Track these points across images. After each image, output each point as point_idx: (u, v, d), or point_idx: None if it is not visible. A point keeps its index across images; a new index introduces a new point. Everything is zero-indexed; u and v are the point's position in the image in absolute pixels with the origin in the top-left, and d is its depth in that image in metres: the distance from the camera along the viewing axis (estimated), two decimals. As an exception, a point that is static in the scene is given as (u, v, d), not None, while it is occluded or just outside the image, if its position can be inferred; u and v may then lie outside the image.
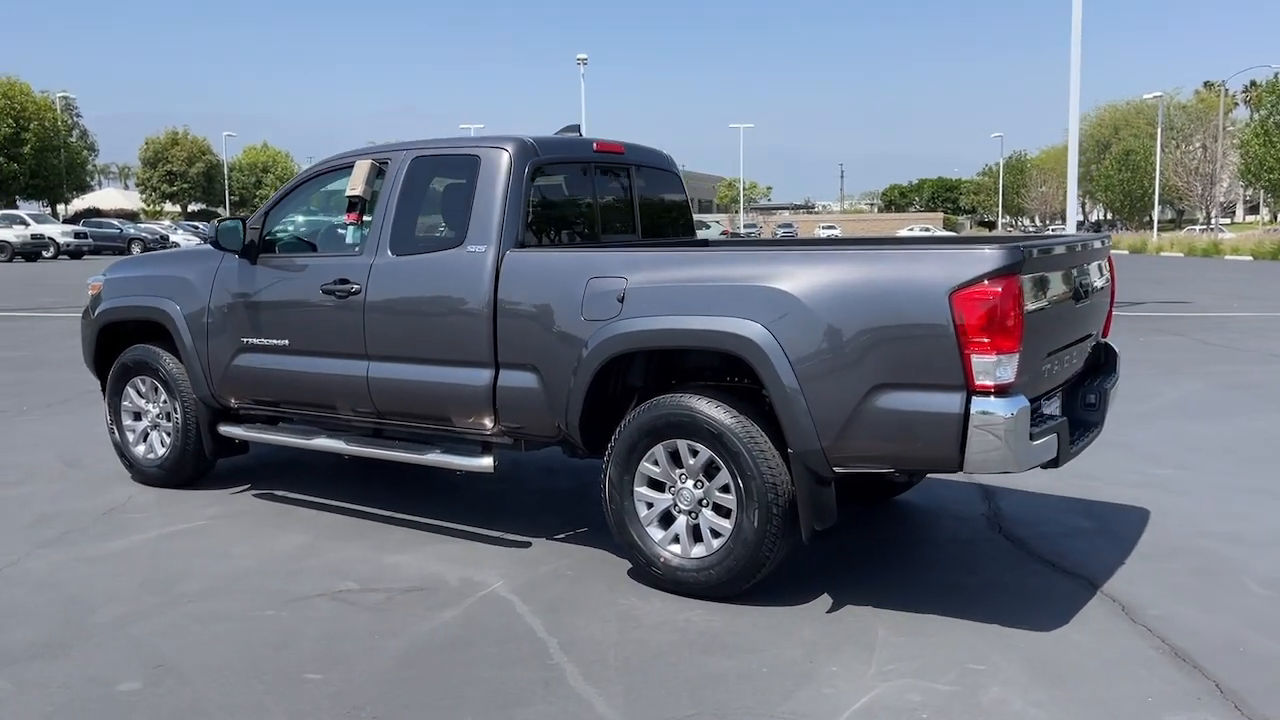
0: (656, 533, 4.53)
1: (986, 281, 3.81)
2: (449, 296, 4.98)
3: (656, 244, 5.67)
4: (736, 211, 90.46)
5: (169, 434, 6.16)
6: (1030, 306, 3.97)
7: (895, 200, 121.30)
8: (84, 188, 61.97)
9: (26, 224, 44.61)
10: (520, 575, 4.75)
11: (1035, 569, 4.84)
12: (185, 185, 70.36)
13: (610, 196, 5.71)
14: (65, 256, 44.23)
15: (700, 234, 7.16)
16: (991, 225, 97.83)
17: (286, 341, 5.58)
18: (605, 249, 4.97)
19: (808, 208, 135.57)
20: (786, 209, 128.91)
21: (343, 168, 5.59)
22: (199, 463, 6.16)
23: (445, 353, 5.00)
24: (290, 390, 5.63)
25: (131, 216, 63.80)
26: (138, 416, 6.33)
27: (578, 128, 5.78)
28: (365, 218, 5.46)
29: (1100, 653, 3.90)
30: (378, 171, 5.40)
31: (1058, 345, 4.33)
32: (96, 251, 45.89)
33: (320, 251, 5.75)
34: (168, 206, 71.64)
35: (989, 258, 3.83)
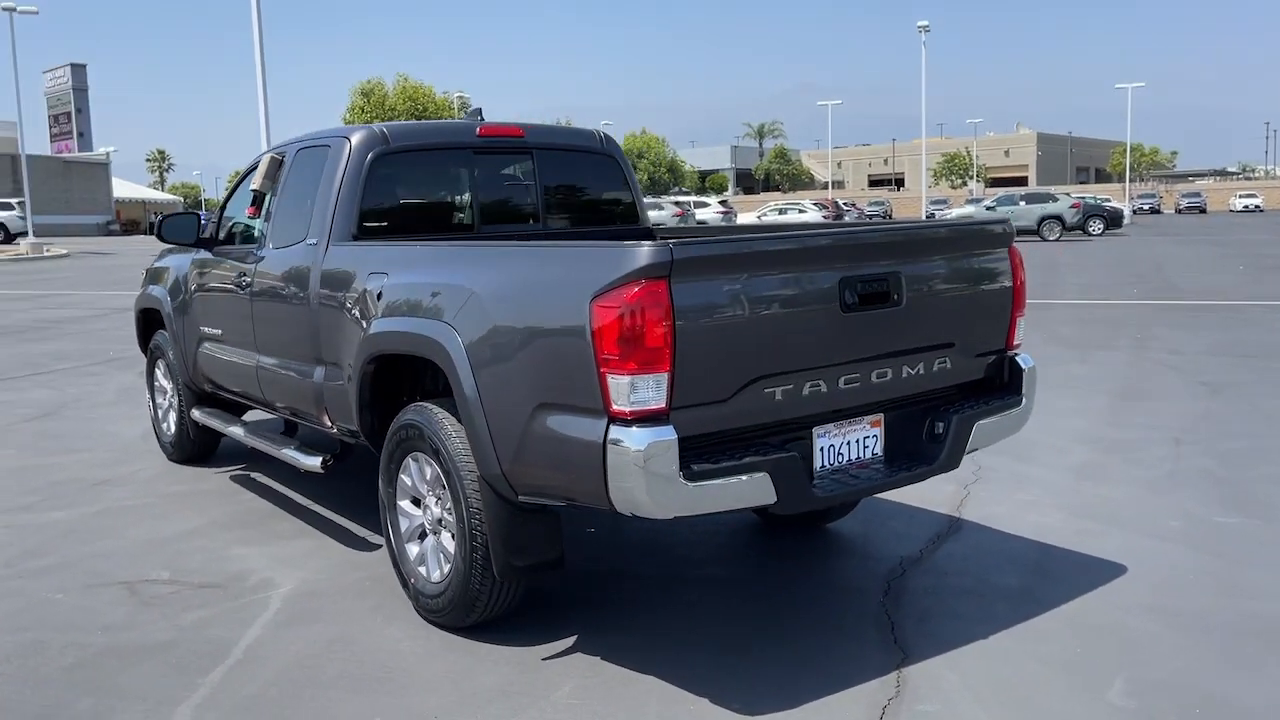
0: (414, 550, 4.21)
1: (625, 286, 3.12)
2: (291, 291, 4.93)
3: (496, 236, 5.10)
4: (1138, 180, 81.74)
5: (177, 413, 6.68)
6: (702, 316, 3.20)
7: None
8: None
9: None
10: (324, 581, 4.61)
11: (862, 633, 3.92)
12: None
13: (501, 185, 5.34)
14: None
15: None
16: None
17: (220, 331, 5.83)
18: (385, 244, 4.65)
19: (1246, 173, 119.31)
20: (1205, 175, 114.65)
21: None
22: (192, 442, 6.61)
23: (293, 347, 4.97)
24: (225, 379, 5.87)
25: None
26: (165, 395, 6.92)
27: (479, 111, 5.46)
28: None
29: (773, 754, 3.09)
30: (277, 165, 5.45)
31: (792, 366, 3.43)
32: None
33: (242, 244, 5.92)
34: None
35: (631, 257, 3.13)
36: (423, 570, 4.13)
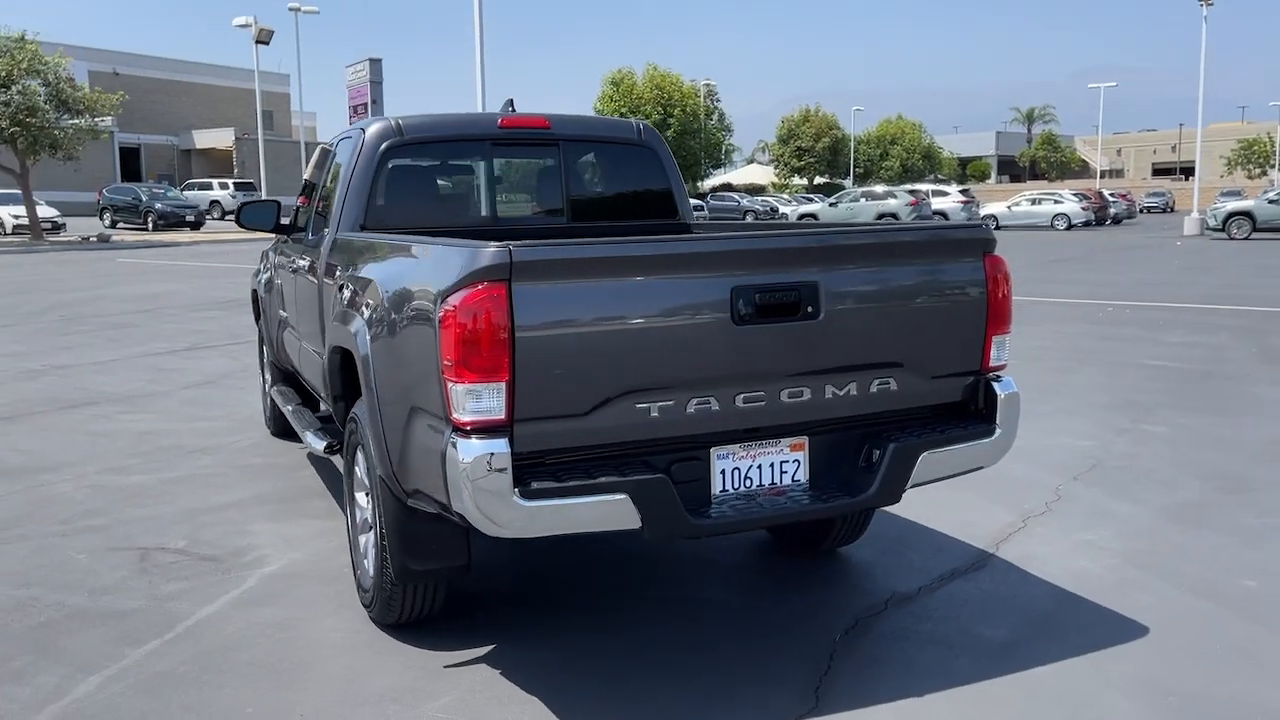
0: (363, 541, 4.21)
1: (465, 288, 2.96)
2: (309, 279, 5.07)
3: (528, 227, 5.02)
4: None
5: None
6: (550, 323, 2.98)
7: None
8: (719, 165, 69.40)
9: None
10: (309, 564, 4.70)
11: (787, 676, 3.56)
12: (811, 159, 74.74)
13: (523, 178, 5.25)
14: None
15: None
16: None
17: (285, 315, 6.10)
18: (362, 235, 4.62)
19: None
20: None
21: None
22: (279, 418, 6.96)
23: (312, 334, 5.11)
24: (294, 361, 6.14)
25: (758, 190, 69.70)
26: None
27: (510, 102, 5.38)
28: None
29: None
30: (325, 155, 5.61)
31: (669, 381, 3.12)
32: (715, 222, 51.15)
33: (300, 232, 6.11)
34: (795, 180, 76.79)
35: (471, 258, 2.97)
36: (366, 564, 4.13)
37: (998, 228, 43.50)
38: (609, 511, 3.04)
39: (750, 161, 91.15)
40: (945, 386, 3.60)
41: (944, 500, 5.31)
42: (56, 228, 37.94)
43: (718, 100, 66.19)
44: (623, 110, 60.15)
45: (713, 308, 3.14)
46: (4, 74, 34.65)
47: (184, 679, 3.61)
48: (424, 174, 5.09)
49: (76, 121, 35.95)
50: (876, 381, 3.42)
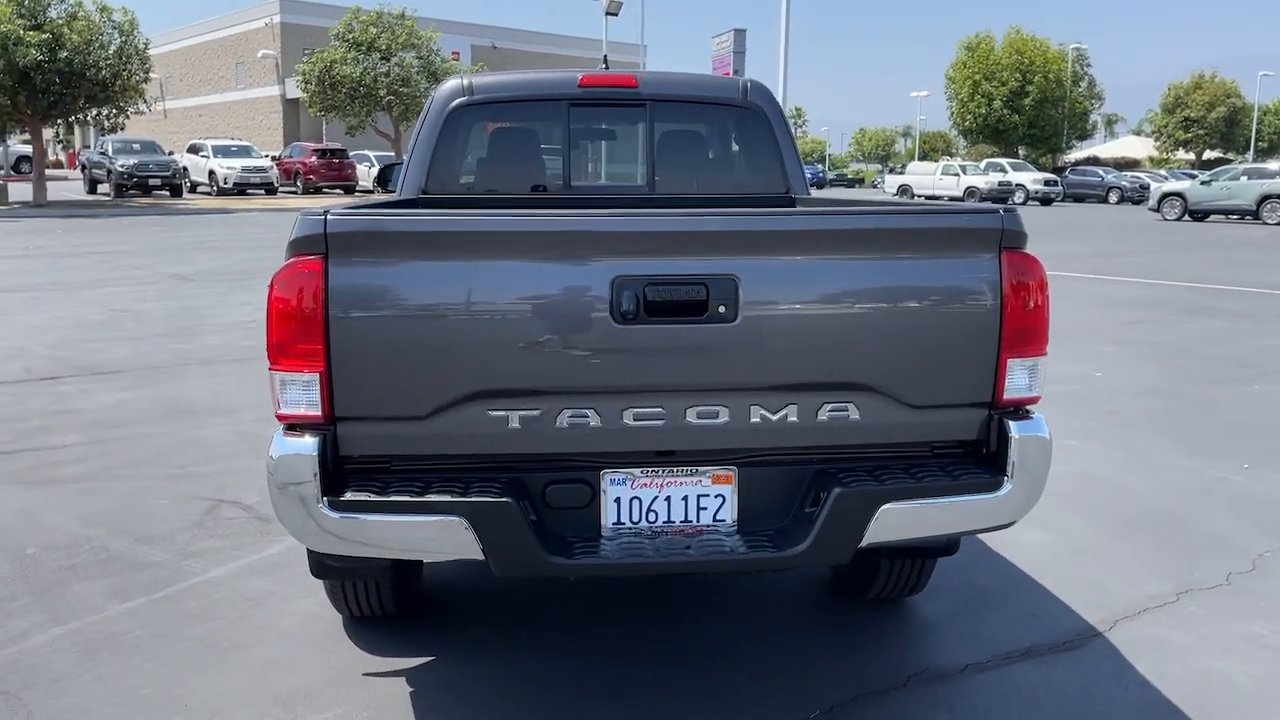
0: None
1: (287, 263, 2.58)
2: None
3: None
4: None
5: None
6: (376, 308, 2.52)
7: None
8: (1085, 136, 63.27)
9: (1004, 171, 47.53)
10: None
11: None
12: (1201, 131, 66.24)
13: (603, 142, 4.73)
14: (1035, 203, 45.77)
15: None
16: None
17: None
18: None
19: None
20: None
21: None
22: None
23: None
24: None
25: (1130, 165, 62.87)
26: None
27: (605, 60, 4.87)
28: None
29: None
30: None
31: (530, 385, 2.54)
32: (1080, 199, 47.34)
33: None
34: (1179, 154, 68.48)
35: (294, 228, 2.57)
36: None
37: None
38: (439, 536, 2.56)
39: (1137, 133, 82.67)
40: (942, 421, 2.73)
41: (1088, 550, 4.33)
42: (421, 187, 41.90)
43: (1088, 65, 60.30)
44: (975, 77, 56.43)
45: (588, 301, 2.54)
46: (385, 47, 38.55)
47: (126, 644, 3.56)
48: (493, 136, 4.75)
49: (443, 92, 39.45)
50: (829, 407, 2.65)
